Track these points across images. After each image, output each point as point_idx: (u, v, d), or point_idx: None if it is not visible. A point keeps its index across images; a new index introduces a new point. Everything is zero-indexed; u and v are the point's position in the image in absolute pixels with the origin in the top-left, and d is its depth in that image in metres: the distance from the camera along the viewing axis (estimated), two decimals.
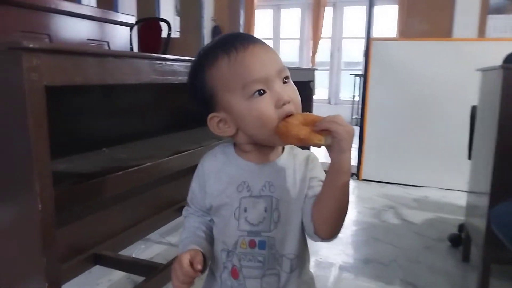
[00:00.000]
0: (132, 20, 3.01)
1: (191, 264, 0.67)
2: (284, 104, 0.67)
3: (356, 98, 6.13)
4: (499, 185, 1.43)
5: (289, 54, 7.29)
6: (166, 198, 2.02)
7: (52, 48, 0.76)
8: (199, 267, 0.66)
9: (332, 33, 6.87)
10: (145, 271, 1.44)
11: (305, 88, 2.54)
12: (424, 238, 2.15)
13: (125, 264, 1.56)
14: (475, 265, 1.73)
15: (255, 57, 0.68)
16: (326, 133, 0.63)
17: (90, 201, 1.00)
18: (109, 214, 1.66)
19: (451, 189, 2.97)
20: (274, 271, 0.72)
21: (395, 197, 2.85)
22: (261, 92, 0.67)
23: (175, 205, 2.04)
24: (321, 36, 6.70)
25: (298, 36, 7.12)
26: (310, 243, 0.76)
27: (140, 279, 1.48)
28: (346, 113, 6.14)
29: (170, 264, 1.42)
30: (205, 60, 0.71)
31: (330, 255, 1.90)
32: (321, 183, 0.71)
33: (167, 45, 3.35)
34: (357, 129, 3.07)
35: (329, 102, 7.06)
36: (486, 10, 5.23)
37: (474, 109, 1.88)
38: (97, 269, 1.59)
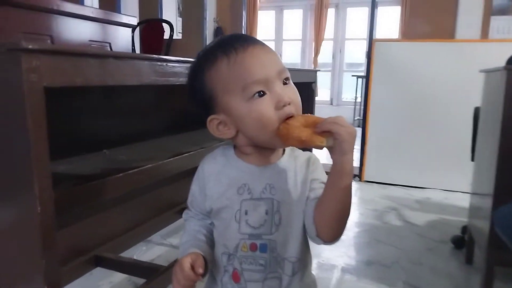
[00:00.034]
0: (134, 21, 3.01)
1: (192, 267, 0.66)
2: (284, 106, 0.66)
3: (358, 99, 6.13)
4: (502, 187, 1.42)
5: (291, 55, 7.29)
6: (167, 200, 2.02)
7: (51, 49, 0.75)
8: (200, 271, 0.66)
9: (334, 34, 6.87)
10: (146, 273, 1.43)
11: (307, 89, 2.54)
12: (426, 240, 2.13)
13: (126, 266, 1.55)
14: (479, 267, 1.73)
15: (255, 58, 0.67)
16: (328, 134, 0.62)
17: (90, 203, 1.00)
18: (110, 215, 1.66)
19: (454, 191, 2.95)
20: (276, 274, 0.72)
21: (398, 198, 2.84)
22: (261, 94, 0.66)
23: (176, 207, 2.03)
24: (324, 37, 6.69)
25: (301, 37, 7.11)
26: (312, 245, 0.75)
27: (141, 281, 1.47)
28: (348, 114, 6.13)
29: (171, 266, 1.41)
30: (204, 62, 0.71)
31: (332, 257, 1.89)
32: (322, 185, 0.70)
33: (169, 46, 3.35)
34: (359, 130, 3.06)
35: (331, 103, 7.05)
36: (489, 11, 5.21)
37: (477, 110, 1.87)
38: (98, 271, 1.58)
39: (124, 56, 0.95)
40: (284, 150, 0.76)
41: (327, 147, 0.64)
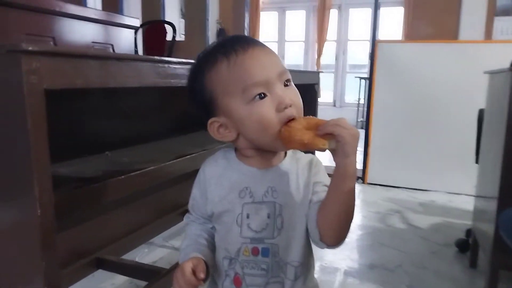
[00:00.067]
0: (137, 23, 3.02)
1: (194, 272, 0.65)
2: (285, 108, 0.66)
3: (361, 101, 6.11)
4: (507, 190, 1.41)
5: (294, 56, 7.29)
6: (170, 202, 2.01)
7: (52, 51, 0.75)
8: (202, 275, 0.65)
9: (337, 36, 6.86)
10: (148, 275, 1.43)
11: (310, 90, 2.53)
12: (430, 243, 2.12)
13: (128, 268, 1.55)
14: (483, 271, 1.71)
15: (255, 60, 0.67)
16: (330, 137, 0.62)
17: (92, 205, 0.99)
18: (112, 218, 1.65)
19: (458, 193, 2.93)
20: (278, 279, 0.71)
21: (401, 201, 2.83)
22: (262, 96, 0.66)
23: (178, 209, 2.03)
24: (326, 38, 6.69)
25: (303, 39, 7.11)
26: (315, 248, 0.74)
27: (143, 283, 1.47)
28: (351, 116, 6.12)
29: (172, 268, 1.41)
30: (204, 64, 0.70)
31: (335, 260, 1.88)
32: (325, 188, 0.70)
33: (172, 48, 3.35)
34: (362, 132, 3.04)
35: (334, 105, 7.04)
36: (493, 12, 5.19)
37: (481, 112, 1.86)
38: (100, 273, 1.58)
39: (125, 57, 0.95)
40: (285, 153, 0.75)
41: (329, 150, 0.63)
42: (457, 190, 2.95)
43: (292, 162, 0.74)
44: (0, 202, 0.81)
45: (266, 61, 0.68)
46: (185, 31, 6.01)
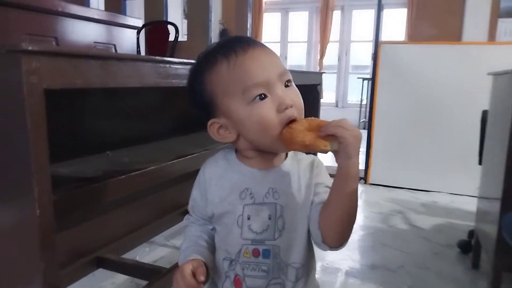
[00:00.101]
0: (139, 23, 3.03)
1: (194, 275, 0.65)
2: (286, 108, 0.65)
3: (364, 102, 6.10)
4: (511, 191, 1.40)
5: (297, 57, 7.28)
6: (171, 202, 2.01)
7: (52, 51, 0.74)
8: (202, 278, 0.65)
9: (340, 37, 6.85)
10: (148, 275, 1.42)
11: (313, 91, 2.53)
12: (432, 244, 2.11)
13: (128, 267, 1.55)
14: (485, 272, 1.70)
15: (255, 61, 0.66)
16: (332, 138, 0.61)
17: (92, 205, 0.99)
18: (113, 217, 1.65)
19: (460, 194, 2.92)
20: (279, 281, 0.70)
21: (403, 201, 2.82)
22: (262, 97, 0.65)
23: (179, 209, 2.03)
24: (329, 39, 6.67)
25: (306, 40, 7.10)
26: (316, 248, 0.74)
27: (144, 282, 1.46)
28: (353, 117, 6.11)
29: (173, 268, 1.40)
30: (204, 64, 0.70)
31: (337, 261, 1.87)
32: (327, 189, 0.69)
33: (174, 48, 3.35)
34: (364, 133, 3.04)
35: (337, 106, 7.03)
36: (497, 14, 5.17)
37: (485, 113, 1.85)
38: (101, 272, 1.58)
39: (126, 57, 0.95)
40: (287, 154, 0.74)
41: (332, 151, 0.62)
42: (459, 191, 2.94)
43: (293, 163, 0.73)
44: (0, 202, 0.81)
45: (266, 62, 0.67)
46: (188, 31, 6.01)
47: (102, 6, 4.19)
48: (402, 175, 3.14)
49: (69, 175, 1.03)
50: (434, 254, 1.99)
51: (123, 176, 1.05)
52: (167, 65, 1.07)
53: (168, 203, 2.00)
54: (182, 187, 2.00)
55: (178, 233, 2.08)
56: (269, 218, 0.69)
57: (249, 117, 0.66)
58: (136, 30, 2.96)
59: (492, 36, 5.18)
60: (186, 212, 0.81)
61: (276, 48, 7.04)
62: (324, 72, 3.07)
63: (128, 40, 2.82)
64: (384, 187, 3.15)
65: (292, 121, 0.65)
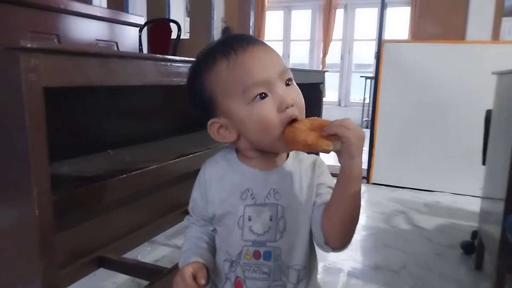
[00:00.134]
0: (142, 21, 3.01)
1: (194, 277, 0.64)
2: (287, 108, 0.64)
3: (367, 101, 6.09)
4: None
5: (300, 55, 7.26)
6: (172, 201, 2.00)
7: (51, 49, 0.73)
8: (202, 281, 0.64)
9: (343, 35, 6.83)
10: (149, 274, 1.42)
11: (315, 90, 2.52)
12: (435, 244, 2.10)
13: (129, 267, 1.54)
14: (488, 273, 1.69)
15: (255, 59, 0.65)
16: (335, 138, 0.60)
17: (92, 205, 0.98)
18: (114, 217, 1.65)
19: (463, 194, 2.91)
20: (280, 283, 0.69)
21: (406, 201, 2.80)
22: (263, 96, 0.64)
23: (181, 208, 2.02)
24: (332, 38, 6.66)
25: (309, 38, 7.08)
26: (318, 248, 0.73)
27: (145, 282, 1.46)
28: (356, 116, 6.10)
29: (174, 268, 1.40)
30: (204, 64, 0.69)
31: (339, 261, 1.86)
32: (330, 190, 0.68)
33: (176, 46, 3.34)
34: (367, 132, 3.03)
35: (339, 104, 7.01)
36: (501, 12, 5.14)
37: (489, 113, 1.83)
38: (102, 272, 1.57)
39: (127, 55, 0.93)
40: (288, 153, 0.73)
41: (334, 151, 0.61)
42: (462, 191, 2.92)
43: (295, 163, 0.72)
44: None
45: (266, 60, 0.66)
46: (190, 29, 6.00)
47: (104, 4, 4.19)
48: (404, 175, 3.12)
49: (69, 174, 1.02)
50: (437, 255, 1.98)
51: (124, 175, 1.04)
52: (169, 63, 1.06)
53: (169, 202, 1.99)
54: (184, 186, 1.98)
55: (179, 233, 2.07)
56: (270, 219, 0.68)
57: (249, 116, 0.65)
58: (138, 28, 2.95)
59: (496, 35, 5.15)
60: (188, 211, 0.80)
61: (278, 47, 7.03)
62: (327, 71, 3.06)
63: (130, 38, 2.81)
64: (387, 187, 3.14)
65: (293, 120, 0.64)
